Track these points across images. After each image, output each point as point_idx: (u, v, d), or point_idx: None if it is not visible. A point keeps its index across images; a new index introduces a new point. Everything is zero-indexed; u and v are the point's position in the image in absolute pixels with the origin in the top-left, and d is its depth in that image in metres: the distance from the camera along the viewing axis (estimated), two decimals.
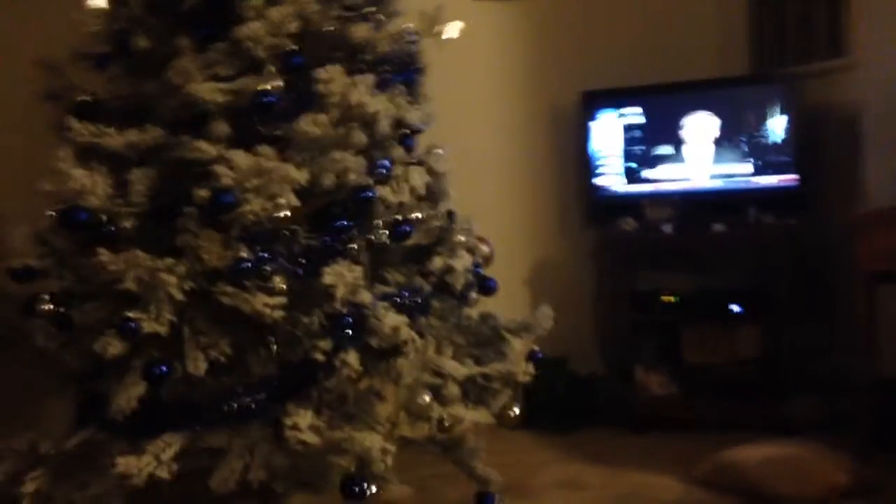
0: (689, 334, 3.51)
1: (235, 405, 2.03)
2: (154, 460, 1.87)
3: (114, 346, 1.85)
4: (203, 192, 1.92)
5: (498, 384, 2.27)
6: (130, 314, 1.84)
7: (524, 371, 2.27)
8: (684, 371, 3.48)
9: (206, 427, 2.03)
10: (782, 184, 3.36)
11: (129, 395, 1.89)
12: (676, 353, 3.53)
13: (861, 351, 2.86)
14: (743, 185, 3.42)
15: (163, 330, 1.86)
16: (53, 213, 1.97)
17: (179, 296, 1.88)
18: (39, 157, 1.95)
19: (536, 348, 2.44)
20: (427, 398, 2.08)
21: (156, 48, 2.23)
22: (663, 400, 3.42)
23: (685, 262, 3.67)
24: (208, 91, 2.04)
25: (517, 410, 2.33)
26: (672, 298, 3.48)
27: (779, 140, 3.36)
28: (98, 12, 2.29)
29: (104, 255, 1.85)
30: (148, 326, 1.84)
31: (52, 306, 1.97)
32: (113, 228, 1.95)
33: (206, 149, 1.99)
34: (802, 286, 3.31)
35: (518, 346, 2.39)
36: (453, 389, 2.14)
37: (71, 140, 2.06)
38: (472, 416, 2.26)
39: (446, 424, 2.14)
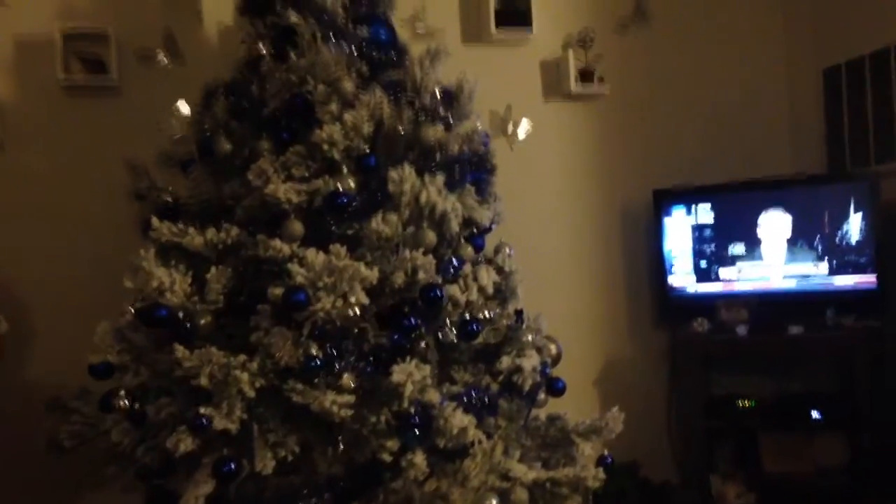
0: (767, 441, 3.38)
1: None
2: None
3: (185, 443, 1.87)
4: (276, 291, 1.96)
5: (567, 489, 2.20)
6: (202, 410, 1.86)
7: (594, 476, 2.20)
8: (763, 480, 3.33)
9: None
10: (860, 284, 3.26)
11: (198, 493, 1.90)
12: (754, 462, 3.38)
13: None
14: (819, 286, 3.34)
15: (233, 427, 1.88)
16: (133, 310, 2.03)
17: (251, 392, 1.90)
18: (123, 255, 2.03)
19: (607, 452, 2.38)
20: (494, 502, 2.03)
21: (237, 151, 2.33)
22: None
23: (761, 366, 3.56)
24: (285, 191, 2.10)
25: None
26: (749, 403, 3.37)
27: (856, 239, 3.28)
28: (183, 117, 2.40)
29: (180, 350, 1.89)
30: (219, 423, 1.86)
31: (127, 402, 2.00)
32: (190, 325, 2.00)
33: (281, 247, 2.05)
34: (885, 390, 3.17)
35: (587, 449, 2.33)
36: (521, 494, 2.09)
37: (153, 239, 2.14)
38: None
39: None
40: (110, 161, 2.74)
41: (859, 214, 3.28)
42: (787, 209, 3.39)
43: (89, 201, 3.03)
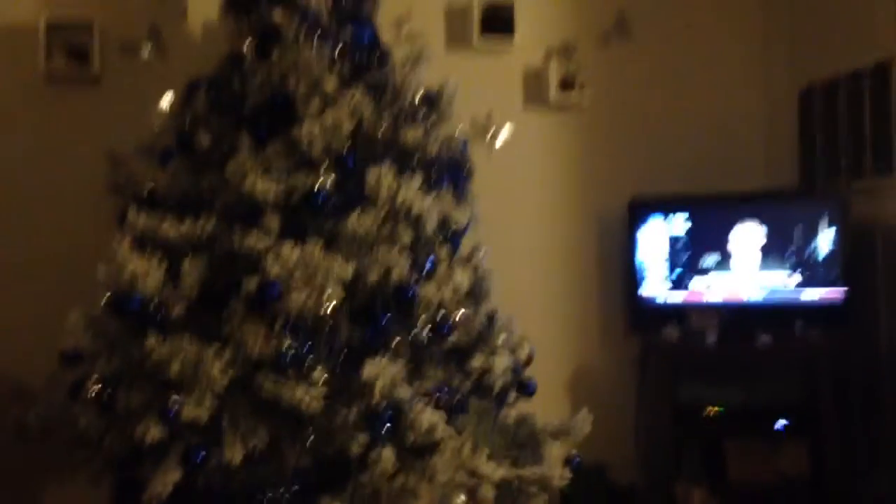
0: (732, 449, 3.42)
1: (270, 496, 2.03)
2: None
3: (154, 431, 1.88)
4: (251, 283, 1.98)
5: (533, 488, 2.23)
6: (172, 399, 1.88)
7: (560, 475, 2.24)
8: (727, 487, 3.37)
9: None
10: (829, 297, 3.32)
11: (166, 480, 1.91)
12: (720, 468, 3.43)
13: None
14: (789, 298, 3.39)
15: (203, 415, 1.89)
16: (107, 299, 2.04)
17: (222, 383, 1.91)
18: (100, 244, 2.04)
19: (575, 453, 2.41)
20: (461, 499, 2.05)
21: (217, 145, 2.35)
22: None
23: (730, 374, 3.59)
24: (262, 187, 2.12)
25: None
26: (716, 410, 3.41)
27: (826, 254, 3.34)
28: (164, 111, 2.42)
29: (151, 340, 1.91)
30: (189, 412, 1.87)
31: (98, 389, 2.01)
32: (162, 315, 2.01)
33: (257, 241, 2.06)
34: (849, 402, 3.23)
35: (555, 449, 2.37)
36: (488, 491, 2.12)
37: (130, 229, 2.15)
38: None
39: None
40: (89, 151, 2.75)
41: (830, 230, 3.34)
42: (761, 222, 3.44)
43: (67, 190, 3.03)
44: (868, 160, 3.36)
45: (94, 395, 2.03)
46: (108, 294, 2.03)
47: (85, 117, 3.09)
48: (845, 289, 3.29)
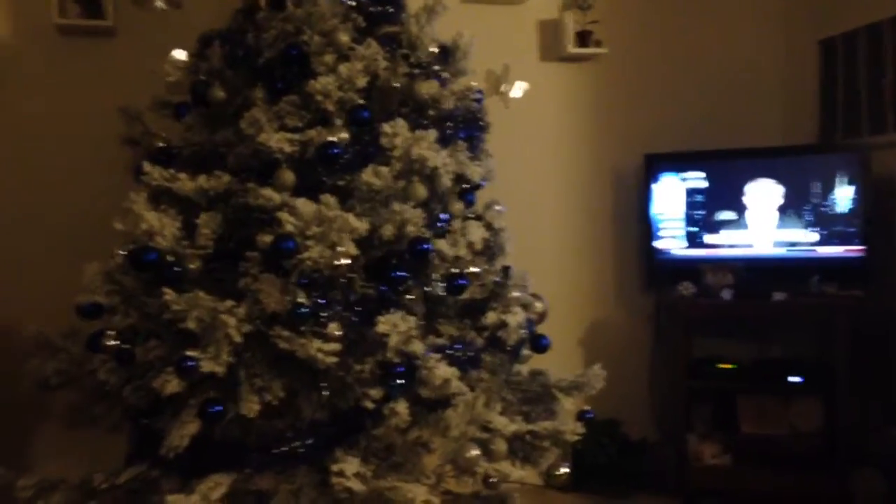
0: (745, 404, 3.44)
1: (285, 449, 2.06)
2: (203, 500, 1.90)
3: (172, 384, 1.90)
4: (266, 238, 1.98)
5: (546, 442, 2.25)
6: (190, 353, 1.89)
7: (573, 430, 2.25)
8: (739, 441, 3.39)
9: (255, 469, 2.06)
10: (847, 254, 3.30)
11: (183, 432, 1.94)
12: (732, 423, 3.45)
13: None
14: (806, 254, 3.37)
15: (220, 370, 1.91)
16: (123, 253, 2.05)
17: (238, 337, 1.92)
18: (116, 198, 2.04)
19: (587, 408, 2.42)
20: (474, 452, 2.07)
21: (231, 99, 2.33)
22: (716, 470, 3.34)
23: (744, 330, 3.61)
24: (277, 141, 2.11)
25: (565, 470, 2.30)
26: (729, 366, 3.42)
27: (845, 210, 3.31)
28: (179, 64, 2.40)
29: (168, 294, 1.92)
30: (206, 366, 1.89)
31: (116, 342, 2.03)
32: (179, 269, 2.02)
33: (272, 196, 2.06)
34: (864, 359, 3.22)
35: (568, 404, 2.38)
36: (501, 445, 2.13)
37: (145, 183, 2.15)
38: (519, 474, 2.24)
39: (492, 480, 2.12)
40: (104, 104, 2.74)
41: (849, 185, 3.31)
42: (778, 178, 3.41)
43: (82, 143, 3.04)
44: (890, 115, 3.31)
45: (111, 346, 2.04)
46: (125, 248, 2.03)
47: (99, 69, 3.08)
48: (864, 247, 3.27)
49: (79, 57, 3.07)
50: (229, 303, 1.94)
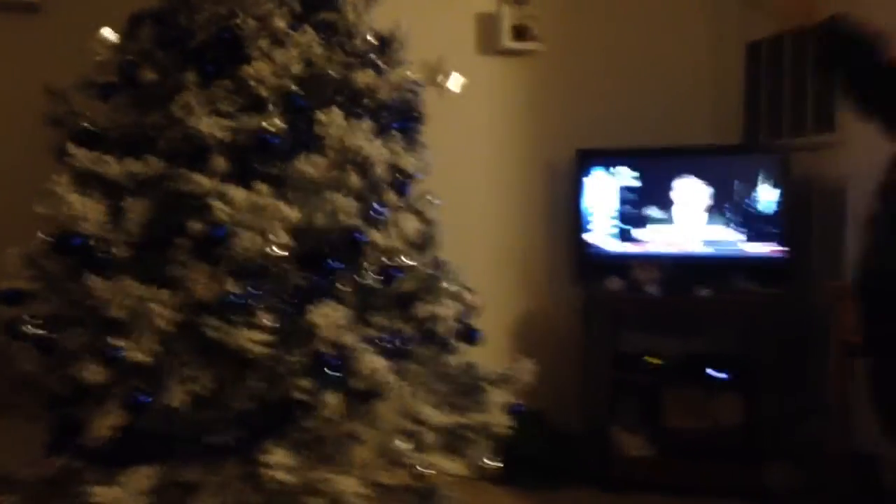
0: (669, 398, 3.52)
1: (213, 440, 2.02)
2: (128, 492, 1.85)
3: (95, 373, 1.85)
4: (196, 225, 1.94)
5: (475, 434, 2.26)
6: (115, 342, 1.84)
7: (501, 423, 2.27)
8: (663, 434, 3.47)
9: (182, 461, 2.03)
10: (771, 254, 3.39)
11: (107, 422, 1.89)
12: (656, 416, 3.53)
13: (836, 422, 2.87)
14: (731, 252, 3.46)
15: (146, 359, 1.86)
16: (46, 237, 1.98)
17: (165, 326, 1.88)
18: (37, 180, 1.97)
19: (518, 402, 2.44)
20: (404, 444, 2.07)
21: (162, 81, 2.28)
22: (640, 462, 3.41)
23: (670, 326, 3.69)
24: (209, 126, 2.07)
25: (492, 462, 2.32)
26: (655, 361, 3.49)
27: (768, 210, 3.40)
28: (107, 43, 2.33)
29: (93, 280, 1.87)
30: (131, 355, 1.85)
31: (37, 330, 1.96)
32: (104, 255, 1.96)
33: (203, 182, 2.02)
34: (784, 355, 3.33)
35: (497, 397, 2.39)
36: (430, 437, 2.14)
37: (70, 166, 2.08)
38: (449, 466, 2.25)
39: (422, 472, 2.13)
40: (27, 82, 2.64)
41: (769, 185, 3.40)
42: (704, 177, 3.48)
43: (2, 122, 2.93)
44: (810, 117, 3.41)
45: (31, 333, 1.98)
46: (48, 232, 1.97)
47: (22, 46, 2.97)
48: (785, 245, 3.37)
49: (1, 33, 2.96)
50: (157, 290, 1.89)
